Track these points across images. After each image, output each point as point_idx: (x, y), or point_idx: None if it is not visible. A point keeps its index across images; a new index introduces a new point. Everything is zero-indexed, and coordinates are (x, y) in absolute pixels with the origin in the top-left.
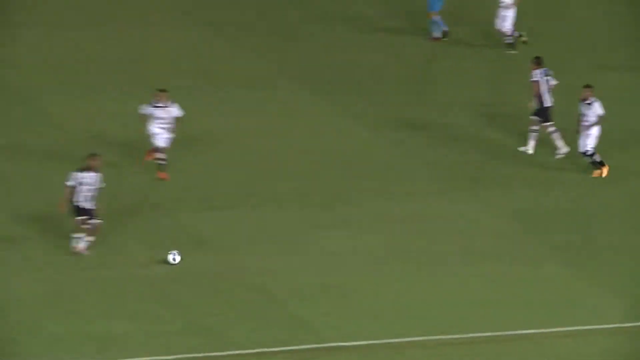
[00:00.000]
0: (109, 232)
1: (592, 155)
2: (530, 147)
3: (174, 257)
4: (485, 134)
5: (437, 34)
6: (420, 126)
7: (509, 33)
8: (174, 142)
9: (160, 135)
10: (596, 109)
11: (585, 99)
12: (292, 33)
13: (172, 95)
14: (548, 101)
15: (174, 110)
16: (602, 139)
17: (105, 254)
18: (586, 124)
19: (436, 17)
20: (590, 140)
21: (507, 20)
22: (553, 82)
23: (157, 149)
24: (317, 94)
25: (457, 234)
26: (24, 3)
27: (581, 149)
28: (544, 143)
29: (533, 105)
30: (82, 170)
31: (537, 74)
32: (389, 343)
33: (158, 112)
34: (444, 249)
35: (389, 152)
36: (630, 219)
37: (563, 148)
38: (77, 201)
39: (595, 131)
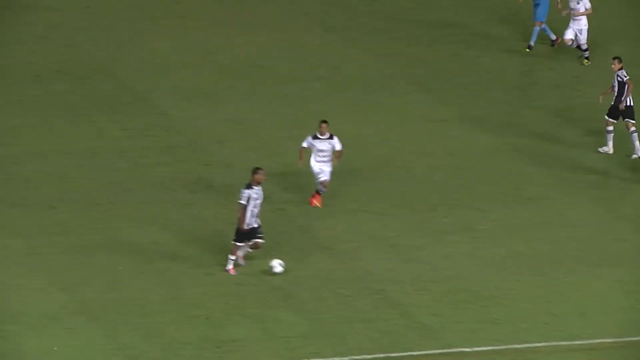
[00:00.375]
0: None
1: None
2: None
3: (278, 267)
4: (598, 139)
5: (552, 37)
6: (534, 132)
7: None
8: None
9: (324, 170)
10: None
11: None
12: (414, 38)
13: (291, 100)
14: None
15: (336, 144)
16: None
17: (225, 259)
18: None
19: (542, 26)
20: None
21: (581, 32)
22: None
23: (323, 184)
24: (436, 98)
25: (580, 239)
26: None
27: None
28: None
29: (622, 104)
30: (251, 186)
31: (624, 74)
32: (511, 349)
33: (320, 145)
34: (567, 254)
35: (508, 156)
36: None
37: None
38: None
39: None
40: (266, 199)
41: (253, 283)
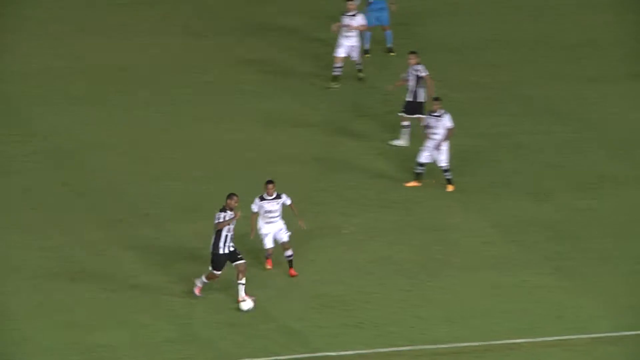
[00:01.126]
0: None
1: (447, 170)
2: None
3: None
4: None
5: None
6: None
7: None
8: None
9: (273, 232)
10: (445, 122)
11: (433, 111)
12: (284, 44)
13: (159, 104)
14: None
15: (285, 200)
16: (586, 147)
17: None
18: (435, 137)
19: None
20: (443, 155)
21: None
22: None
23: (284, 246)
24: (304, 103)
25: (445, 243)
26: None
27: (440, 165)
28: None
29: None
30: (225, 209)
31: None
32: (377, 352)
33: (268, 205)
34: (432, 258)
35: (373, 160)
36: (619, 227)
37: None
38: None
39: (445, 146)
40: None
41: (120, 289)
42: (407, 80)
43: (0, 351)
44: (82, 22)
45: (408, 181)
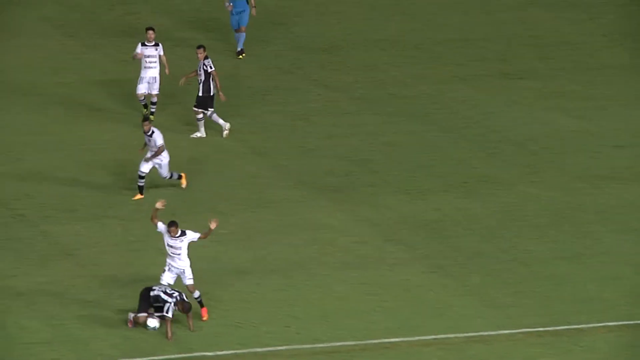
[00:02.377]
0: None
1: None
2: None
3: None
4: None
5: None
6: (274, 136)
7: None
8: None
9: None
10: (156, 140)
11: (146, 132)
12: None
13: (31, 106)
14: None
15: (191, 238)
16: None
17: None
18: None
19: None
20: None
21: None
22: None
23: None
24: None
25: (321, 242)
26: None
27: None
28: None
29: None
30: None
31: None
32: (253, 352)
33: (173, 242)
34: (308, 257)
35: (249, 160)
36: (491, 226)
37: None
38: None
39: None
40: (5, 204)
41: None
42: (198, 74)
43: None
44: None
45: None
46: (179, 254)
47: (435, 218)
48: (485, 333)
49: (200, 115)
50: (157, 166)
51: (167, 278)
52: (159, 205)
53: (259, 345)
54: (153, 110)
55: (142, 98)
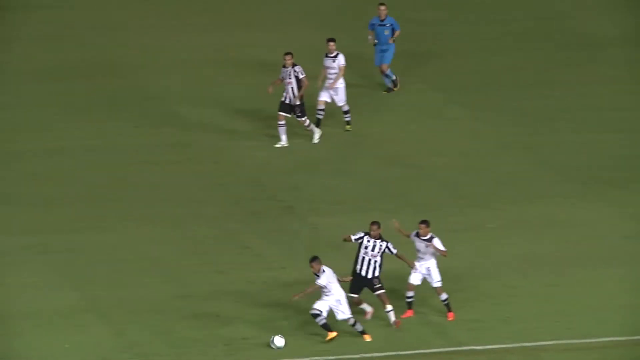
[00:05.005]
0: None
1: None
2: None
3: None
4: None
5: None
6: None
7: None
8: None
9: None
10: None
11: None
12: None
13: None
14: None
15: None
16: None
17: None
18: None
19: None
20: None
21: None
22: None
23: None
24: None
25: (590, 238)
26: None
27: None
28: None
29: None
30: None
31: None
32: (522, 347)
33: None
34: (577, 253)
35: (518, 155)
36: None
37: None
38: None
39: None
40: (274, 197)
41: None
42: (287, 81)
43: (141, 343)
44: None
45: None
46: (423, 257)
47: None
48: None
49: (283, 121)
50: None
51: (414, 278)
52: (396, 225)
53: (529, 339)
54: (347, 119)
55: (322, 106)
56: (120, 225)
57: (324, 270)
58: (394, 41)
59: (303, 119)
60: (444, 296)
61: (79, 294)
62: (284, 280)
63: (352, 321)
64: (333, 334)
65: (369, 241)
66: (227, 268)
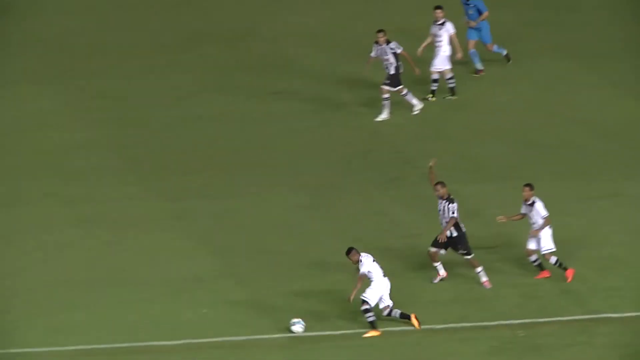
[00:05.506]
0: None
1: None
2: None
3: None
4: None
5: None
6: None
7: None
8: None
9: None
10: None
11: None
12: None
13: None
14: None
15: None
16: None
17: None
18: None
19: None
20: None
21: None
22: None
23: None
24: (579, 63)
25: None
26: None
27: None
28: None
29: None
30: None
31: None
32: None
33: None
34: None
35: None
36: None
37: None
38: None
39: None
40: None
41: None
42: (384, 59)
43: (277, 308)
44: None
45: None
46: (532, 221)
47: None
48: None
49: (387, 95)
50: None
51: (530, 244)
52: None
53: None
54: (434, 88)
55: (436, 76)
56: (262, 191)
57: (361, 260)
58: (477, 23)
59: (399, 87)
60: (553, 260)
61: (217, 260)
62: (420, 248)
63: (387, 311)
64: (376, 333)
65: (440, 203)
66: (364, 235)
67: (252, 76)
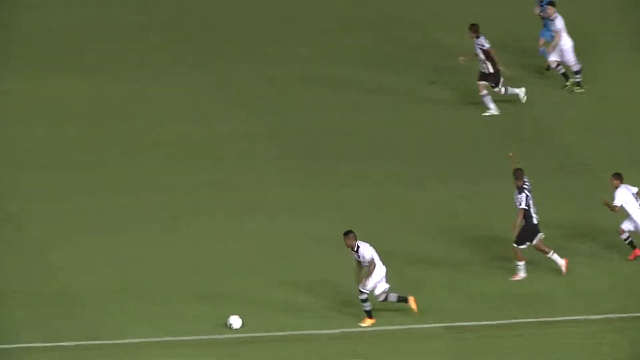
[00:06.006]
0: None
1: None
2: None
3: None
4: None
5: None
6: None
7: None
8: None
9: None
10: None
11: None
12: None
13: None
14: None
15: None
16: None
17: None
18: None
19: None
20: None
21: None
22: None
23: None
24: None
25: None
26: None
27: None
28: None
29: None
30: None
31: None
32: None
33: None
34: None
35: None
36: None
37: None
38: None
39: None
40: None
41: None
42: (476, 54)
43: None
44: None
45: None
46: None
47: None
48: None
49: (485, 91)
50: None
51: (626, 224)
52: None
53: None
54: (578, 79)
55: (555, 65)
56: (426, 180)
57: (358, 246)
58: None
59: (497, 89)
60: (624, 236)
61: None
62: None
63: (383, 297)
64: (372, 321)
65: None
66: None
67: (405, 65)
